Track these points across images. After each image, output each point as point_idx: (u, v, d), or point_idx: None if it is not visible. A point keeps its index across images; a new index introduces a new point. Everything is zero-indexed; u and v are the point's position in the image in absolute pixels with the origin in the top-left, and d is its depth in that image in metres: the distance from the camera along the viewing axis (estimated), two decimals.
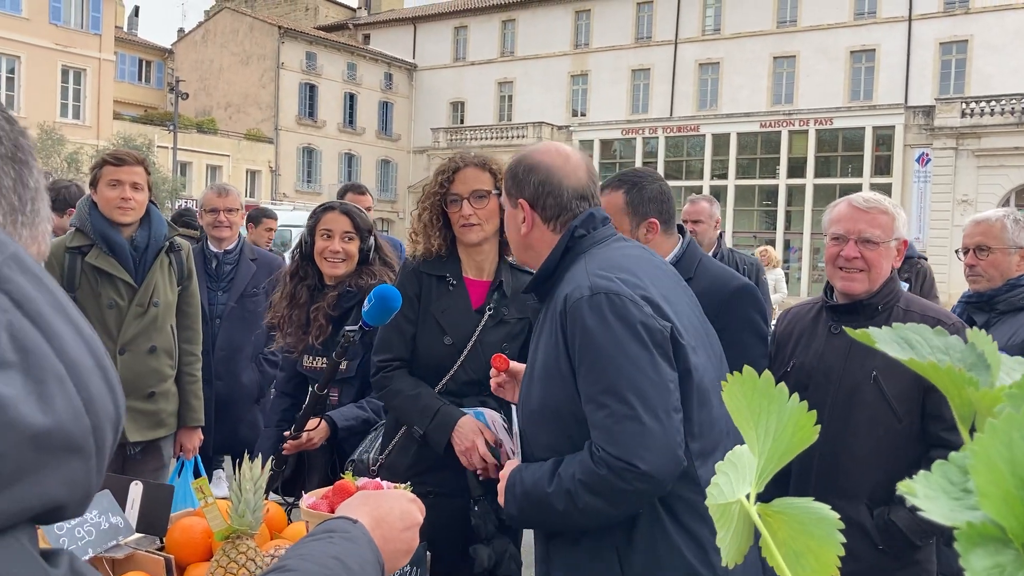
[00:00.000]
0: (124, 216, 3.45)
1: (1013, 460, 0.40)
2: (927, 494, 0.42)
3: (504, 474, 2.04)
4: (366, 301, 2.66)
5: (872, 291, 2.53)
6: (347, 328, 2.74)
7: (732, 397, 0.54)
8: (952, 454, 0.42)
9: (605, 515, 1.83)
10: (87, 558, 1.96)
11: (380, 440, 2.87)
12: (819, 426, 0.51)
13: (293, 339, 3.15)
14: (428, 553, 2.25)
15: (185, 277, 3.70)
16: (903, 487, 0.43)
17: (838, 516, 0.50)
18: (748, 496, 0.52)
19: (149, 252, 3.52)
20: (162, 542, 2.15)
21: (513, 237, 2.18)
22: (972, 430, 0.42)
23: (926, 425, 2.41)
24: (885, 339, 0.50)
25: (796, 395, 0.53)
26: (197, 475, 3.74)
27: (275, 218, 6.42)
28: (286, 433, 2.85)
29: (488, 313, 2.72)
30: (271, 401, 3.42)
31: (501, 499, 2.03)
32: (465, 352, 2.68)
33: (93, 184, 3.49)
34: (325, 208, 3.22)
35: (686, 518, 1.86)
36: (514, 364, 2.33)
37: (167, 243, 3.60)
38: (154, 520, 2.20)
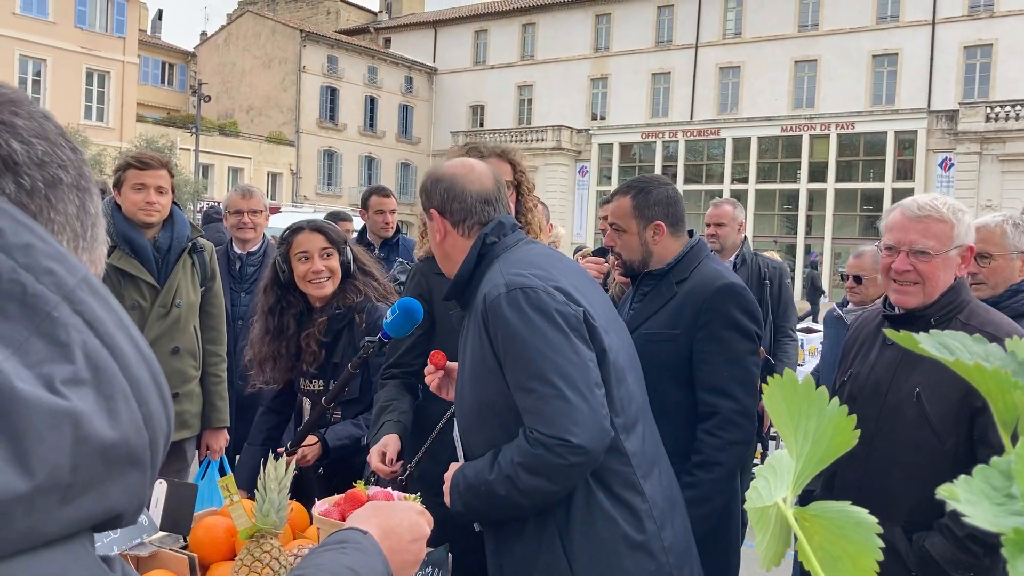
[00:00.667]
0: (148, 218, 3.46)
1: None
2: (969, 499, 0.41)
3: (448, 475, 2.11)
4: (389, 313, 2.65)
5: (929, 303, 2.36)
6: (367, 339, 2.70)
7: (772, 400, 0.53)
8: (994, 458, 0.41)
9: (546, 492, 1.92)
10: (113, 555, 1.97)
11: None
12: (859, 431, 0.50)
13: (280, 373, 3.06)
14: (449, 555, 2.26)
15: (208, 278, 3.71)
16: (944, 491, 0.41)
17: (876, 520, 0.49)
18: (785, 499, 0.51)
19: (172, 253, 3.53)
20: (186, 541, 2.17)
21: (434, 249, 2.26)
22: (1014, 436, 0.42)
23: (974, 449, 2.23)
24: (928, 343, 0.49)
25: (836, 399, 0.52)
26: (223, 474, 3.76)
27: (350, 220, 6.20)
28: (280, 449, 2.76)
29: None
30: (257, 417, 3.31)
31: (447, 499, 2.09)
32: None
33: (117, 186, 3.48)
34: (294, 230, 3.10)
35: (618, 488, 1.98)
36: (450, 363, 2.39)
37: (190, 244, 3.60)
38: (178, 519, 2.22)
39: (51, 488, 0.52)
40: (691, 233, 2.87)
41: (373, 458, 2.41)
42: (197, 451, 3.79)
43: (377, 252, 5.10)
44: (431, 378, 2.41)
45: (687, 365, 2.61)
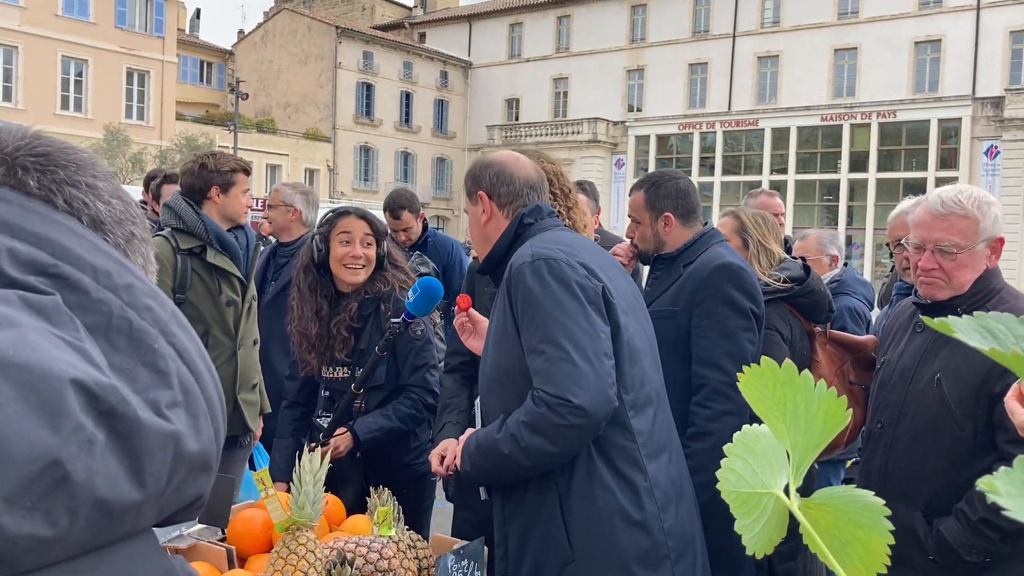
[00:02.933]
0: (243, 220, 3.64)
1: None
2: (1009, 491, 0.40)
3: (462, 438, 2.21)
4: (410, 292, 2.76)
5: (958, 294, 2.35)
6: (392, 320, 2.79)
7: (750, 389, 0.53)
8: None
9: (546, 453, 1.98)
10: None
11: None
12: (851, 411, 0.50)
13: (316, 356, 3.05)
14: (485, 548, 2.24)
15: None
16: (983, 484, 0.40)
17: (883, 502, 0.49)
18: (787, 490, 0.51)
19: (249, 250, 3.69)
20: (224, 533, 2.18)
21: (474, 233, 2.37)
22: None
23: (994, 435, 2.22)
24: (965, 328, 0.48)
25: (823, 381, 0.51)
26: (254, 468, 3.81)
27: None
28: (312, 445, 2.74)
29: None
30: (281, 412, 3.35)
31: (458, 461, 2.18)
32: None
33: (224, 186, 3.55)
34: (340, 213, 3.14)
35: (620, 463, 2.04)
36: (476, 313, 2.56)
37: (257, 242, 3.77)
38: (216, 511, 2.23)
39: (154, 496, 0.61)
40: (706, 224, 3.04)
41: (433, 461, 2.45)
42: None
43: (407, 251, 5.09)
44: (458, 319, 2.56)
45: (686, 340, 2.74)
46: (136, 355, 0.64)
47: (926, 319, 0.51)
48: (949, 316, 0.49)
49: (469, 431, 2.24)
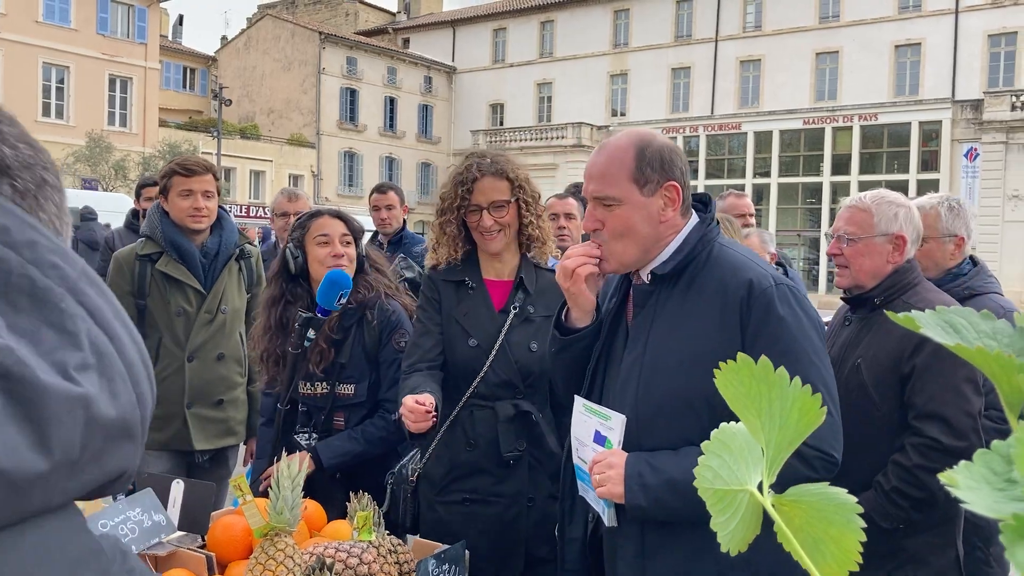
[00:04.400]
0: (197, 224, 3.44)
1: None
2: (969, 484, 0.40)
3: (615, 462, 1.90)
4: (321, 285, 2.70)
5: (861, 285, 2.63)
6: (301, 312, 2.69)
7: (726, 385, 0.53)
8: (995, 442, 0.41)
9: None
10: None
11: (419, 452, 2.77)
12: (824, 408, 0.51)
13: (287, 371, 2.81)
14: (467, 552, 2.25)
15: (255, 284, 3.67)
16: (945, 478, 0.41)
17: (856, 500, 0.49)
18: (760, 487, 0.51)
19: (219, 259, 3.51)
20: (204, 540, 2.18)
21: (642, 231, 1.98)
22: (1022, 418, 0.41)
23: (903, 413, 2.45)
24: (930, 323, 0.48)
25: (798, 379, 0.51)
26: None
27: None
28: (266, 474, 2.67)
29: (513, 312, 2.68)
30: (259, 430, 3.22)
31: (615, 488, 1.88)
32: (493, 353, 2.64)
33: (163, 192, 3.46)
34: (313, 215, 3.00)
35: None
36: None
37: (237, 250, 3.58)
38: (196, 518, 2.23)
39: (63, 465, 0.57)
40: None
41: (408, 401, 2.33)
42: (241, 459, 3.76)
43: (386, 252, 5.09)
44: (590, 269, 2.06)
45: None
46: (40, 315, 0.60)
47: (890, 313, 0.53)
48: (913, 312, 0.49)
49: (620, 453, 1.92)
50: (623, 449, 1.93)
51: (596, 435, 2.02)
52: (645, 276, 2.04)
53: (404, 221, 5.41)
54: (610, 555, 2.08)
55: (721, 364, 0.53)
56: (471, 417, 2.65)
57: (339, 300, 2.71)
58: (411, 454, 2.79)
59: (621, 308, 2.13)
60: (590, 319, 2.12)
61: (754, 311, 1.85)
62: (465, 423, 2.65)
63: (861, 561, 0.48)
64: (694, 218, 2.05)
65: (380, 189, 5.33)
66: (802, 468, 1.75)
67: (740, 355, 0.53)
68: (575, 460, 2.15)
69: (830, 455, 1.78)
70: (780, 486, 1.85)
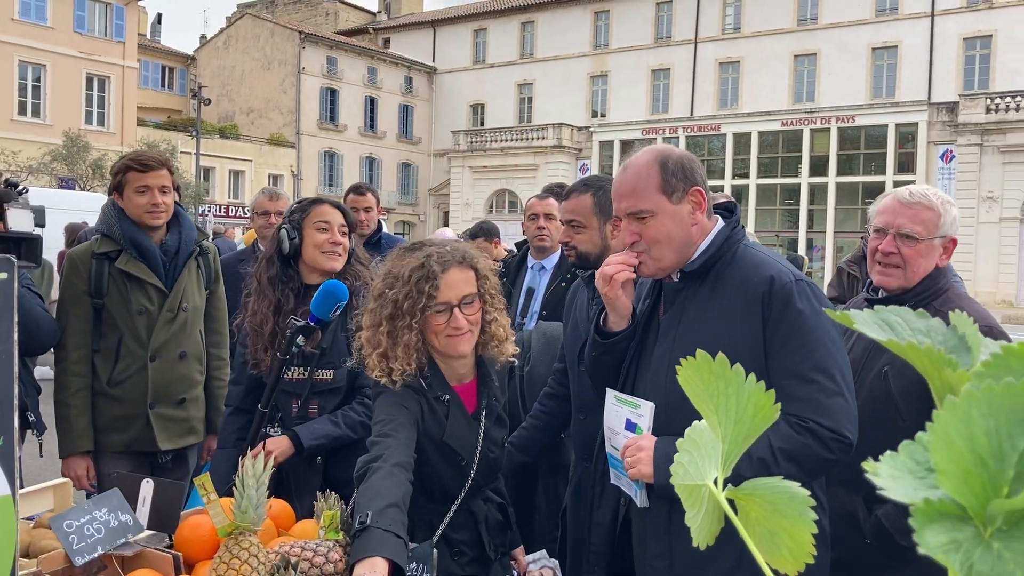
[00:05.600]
0: (156, 221, 3.36)
1: (971, 438, 0.39)
2: (892, 474, 0.42)
3: (645, 445, 2.04)
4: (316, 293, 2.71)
5: (909, 287, 2.47)
6: (292, 318, 2.72)
7: (688, 381, 0.54)
8: (919, 434, 0.41)
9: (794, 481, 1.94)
10: (97, 555, 1.99)
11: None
12: (779, 404, 0.50)
13: (272, 353, 2.85)
14: (435, 551, 2.26)
15: (213, 280, 3.63)
16: (868, 466, 0.42)
17: (808, 493, 0.49)
18: (716, 481, 0.51)
19: (180, 256, 3.44)
20: (171, 540, 2.18)
21: (676, 235, 2.11)
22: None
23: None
24: (865, 321, 0.49)
25: (753, 375, 0.51)
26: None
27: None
28: (253, 452, 2.65)
29: (483, 415, 2.45)
30: (224, 419, 3.16)
31: (646, 469, 2.01)
32: (475, 465, 2.41)
33: (117, 189, 3.37)
34: (314, 201, 3.08)
35: (823, 486, 2.11)
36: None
37: (197, 247, 3.52)
38: (165, 518, 2.23)
39: None
40: None
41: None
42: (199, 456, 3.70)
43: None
44: (626, 275, 2.16)
45: None
46: None
47: (828, 311, 0.56)
48: (851, 310, 0.50)
49: (650, 437, 2.06)
50: (653, 434, 2.08)
51: (627, 423, 2.17)
52: (675, 275, 2.18)
53: (380, 223, 5.39)
54: (639, 535, 2.21)
55: (683, 361, 0.54)
56: (451, 525, 2.41)
57: (334, 312, 2.74)
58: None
59: (654, 308, 2.27)
60: (626, 323, 2.23)
61: (775, 304, 2.00)
62: (447, 533, 2.40)
63: (815, 553, 0.48)
64: (720, 221, 2.19)
65: (358, 190, 5.26)
66: (819, 449, 1.90)
67: (699, 352, 0.54)
68: (608, 449, 2.29)
69: (845, 436, 1.91)
70: (799, 466, 1.87)
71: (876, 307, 0.50)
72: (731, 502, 0.52)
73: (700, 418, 1.99)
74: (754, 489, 0.51)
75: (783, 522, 0.50)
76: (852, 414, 1.95)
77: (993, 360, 0.43)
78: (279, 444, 2.75)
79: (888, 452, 0.42)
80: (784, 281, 2.01)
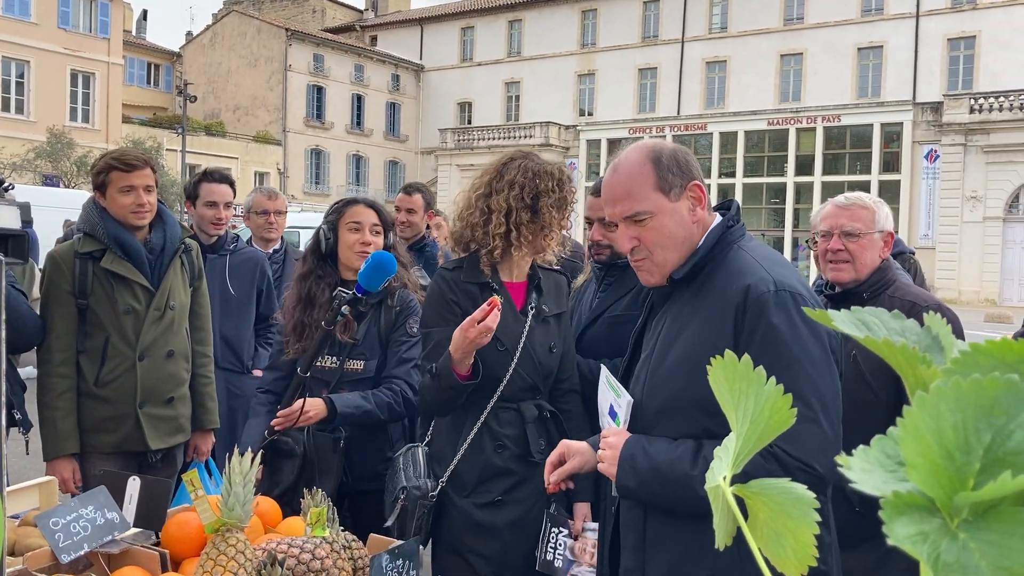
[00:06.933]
0: (141, 220, 3.33)
1: (940, 432, 0.40)
2: (863, 467, 0.43)
3: (615, 443, 1.96)
4: (364, 265, 2.77)
5: (860, 279, 2.78)
6: (341, 289, 2.78)
7: (716, 381, 0.55)
8: (890, 428, 0.43)
9: None
10: (83, 553, 1.99)
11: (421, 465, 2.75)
12: (795, 409, 0.52)
13: (314, 345, 2.92)
14: (420, 548, 2.28)
15: (196, 278, 3.61)
16: (841, 460, 0.43)
17: (813, 496, 0.50)
18: (725, 478, 0.53)
19: (165, 255, 3.42)
20: (158, 537, 2.18)
21: (678, 235, 1.99)
22: None
23: (902, 400, 2.53)
24: (843, 320, 0.51)
25: (773, 379, 0.53)
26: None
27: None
28: (279, 416, 2.82)
29: (531, 313, 2.72)
30: (255, 398, 3.28)
31: (611, 468, 1.94)
32: (517, 355, 2.65)
33: (100, 188, 3.33)
34: (349, 202, 3.20)
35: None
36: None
37: (181, 245, 3.50)
38: (152, 515, 2.23)
39: None
40: None
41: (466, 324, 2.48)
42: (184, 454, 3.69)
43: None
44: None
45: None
46: None
47: (807, 310, 0.57)
48: (830, 310, 0.52)
49: (619, 433, 2.00)
50: (629, 430, 1.99)
51: (611, 409, 2.11)
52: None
53: (428, 227, 5.04)
54: (624, 543, 2.12)
55: (713, 360, 0.55)
56: (497, 419, 2.65)
57: (384, 284, 2.84)
58: (410, 463, 2.76)
59: (653, 308, 2.19)
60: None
61: (748, 316, 1.83)
62: (492, 425, 2.65)
63: (817, 555, 0.49)
64: (718, 218, 2.04)
65: (406, 189, 5.01)
66: (781, 475, 1.76)
67: (727, 352, 0.55)
68: (600, 422, 2.22)
69: (812, 467, 1.74)
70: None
71: (853, 308, 0.52)
72: (741, 502, 0.53)
73: (677, 432, 1.87)
74: (762, 488, 0.52)
75: (788, 523, 0.50)
76: (826, 442, 1.76)
77: (962, 357, 0.44)
78: (315, 405, 2.85)
79: (861, 447, 0.43)
80: (760, 291, 1.83)
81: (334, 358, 3.03)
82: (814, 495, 0.50)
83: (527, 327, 2.68)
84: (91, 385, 3.27)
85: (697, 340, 1.89)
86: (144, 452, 3.39)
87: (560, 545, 2.60)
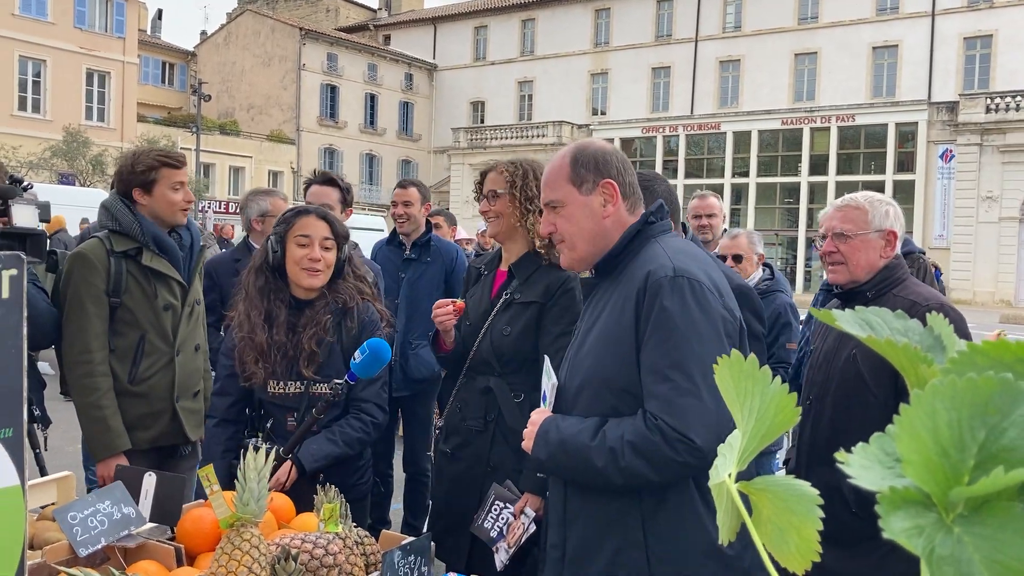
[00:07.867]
0: (184, 218, 3.39)
1: (935, 428, 0.41)
2: (862, 464, 0.44)
3: (536, 420, 2.12)
4: (358, 352, 2.65)
5: (857, 280, 2.78)
6: (335, 382, 2.69)
7: (723, 380, 0.56)
8: (889, 426, 0.43)
9: (644, 478, 1.92)
10: (100, 547, 2.02)
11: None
12: (800, 408, 0.53)
13: (264, 367, 2.79)
14: (432, 544, 2.30)
15: (201, 275, 3.69)
16: (840, 456, 0.44)
17: (817, 493, 0.51)
18: (730, 475, 0.53)
19: (194, 251, 3.49)
20: (173, 532, 2.22)
21: (587, 226, 2.16)
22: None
23: (900, 400, 2.55)
24: (847, 320, 0.52)
25: (778, 378, 0.54)
26: None
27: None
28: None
29: (504, 298, 3.01)
30: (208, 431, 3.02)
31: (529, 443, 2.11)
32: (480, 335, 3.01)
33: (145, 186, 3.32)
34: (299, 212, 2.93)
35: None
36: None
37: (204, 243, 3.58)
38: (167, 510, 2.27)
39: None
40: (684, 228, 3.14)
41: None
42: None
43: (408, 253, 4.84)
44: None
45: None
46: None
47: (812, 310, 0.58)
48: (833, 310, 0.53)
49: (542, 412, 2.16)
50: (554, 411, 2.17)
51: (544, 393, 2.28)
52: (592, 271, 2.25)
53: (428, 223, 4.94)
54: (550, 519, 2.29)
55: (719, 360, 0.56)
56: (465, 387, 3.07)
57: (378, 372, 2.77)
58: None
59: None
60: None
61: (646, 300, 1.96)
62: (461, 391, 3.08)
63: (820, 551, 0.50)
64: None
65: (400, 183, 4.93)
66: (665, 449, 1.86)
67: (733, 352, 0.56)
68: None
69: (690, 439, 1.84)
70: (647, 462, 1.86)
71: (857, 308, 0.54)
72: (745, 499, 0.53)
73: (592, 412, 2.03)
74: (767, 484, 0.52)
75: (792, 519, 0.51)
76: (707, 416, 1.85)
77: (959, 357, 0.45)
78: (285, 471, 2.70)
79: (860, 444, 0.44)
80: (658, 276, 1.96)
81: (299, 383, 2.83)
82: (817, 492, 0.51)
83: (494, 312, 3.01)
84: (125, 383, 3.30)
85: (607, 323, 2.06)
86: (175, 445, 3.46)
87: (501, 519, 2.82)
